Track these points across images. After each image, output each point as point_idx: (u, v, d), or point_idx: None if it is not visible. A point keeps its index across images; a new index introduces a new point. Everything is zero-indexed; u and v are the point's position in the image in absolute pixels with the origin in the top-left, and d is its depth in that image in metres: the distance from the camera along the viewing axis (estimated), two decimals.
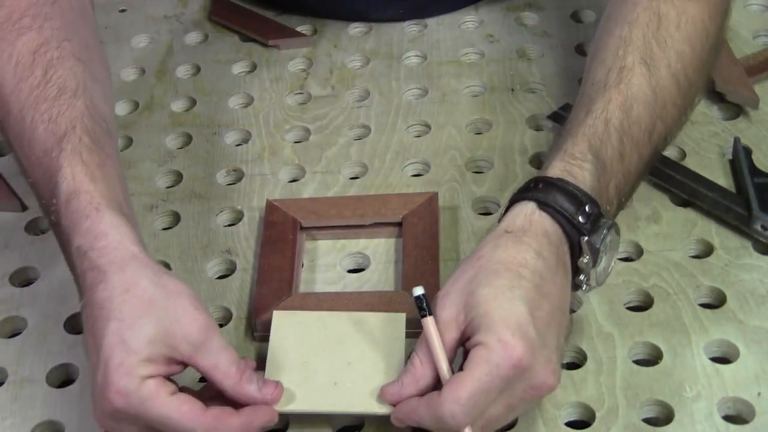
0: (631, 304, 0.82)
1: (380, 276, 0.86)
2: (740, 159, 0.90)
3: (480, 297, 0.68)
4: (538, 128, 0.98)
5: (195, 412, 0.67)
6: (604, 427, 0.73)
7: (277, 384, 0.71)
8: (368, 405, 0.72)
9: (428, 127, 0.99)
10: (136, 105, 1.05)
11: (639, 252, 0.85)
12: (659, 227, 0.87)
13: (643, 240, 0.86)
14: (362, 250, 0.88)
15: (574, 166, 0.74)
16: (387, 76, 1.06)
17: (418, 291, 0.70)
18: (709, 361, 0.77)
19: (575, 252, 0.72)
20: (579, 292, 0.75)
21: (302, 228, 0.88)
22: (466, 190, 0.92)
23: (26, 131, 0.76)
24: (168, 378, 0.68)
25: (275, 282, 0.83)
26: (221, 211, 0.93)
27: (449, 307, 0.69)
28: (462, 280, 0.70)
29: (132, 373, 0.65)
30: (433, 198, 0.89)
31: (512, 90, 1.02)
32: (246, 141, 1.00)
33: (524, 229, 0.71)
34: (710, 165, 0.92)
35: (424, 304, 0.69)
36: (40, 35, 0.79)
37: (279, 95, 1.05)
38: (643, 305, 0.82)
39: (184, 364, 0.68)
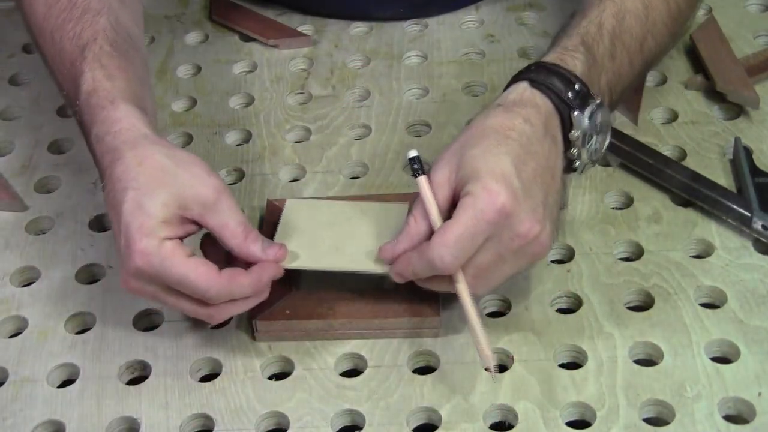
0: (631, 304, 0.82)
1: (380, 276, 0.85)
2: (741, 159, 0.90)
3: (469, 156, 0.73)
4: None
5: (210, 273, 0.72)
6: (605, 427, 0.73)
7: (281, 246, 0.76)
8: (366, 264, 0.78)
9: (429, 126, 0.99)
10: None
11: (639, 252, 0.85)
12: (660, 227, 0.87)
13: (644, 240, 0.86)
14: None
15: (566, 55, 0.80)
16: (387, 76, 1.06)
17: (413, 153, 0.76)
18: (710, 361, 0.77)
19: (566, 126, 0.77)
20: (575, 174, 0.81)
21: None
22: None
23: (57, 50, 0.84)
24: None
25: (276, 282, 0.83)
26: None
27: (442, 168, 0.75)
28: (454, 145, 0.75)
29: (152, 234, 0.72)
30: None
31: None
32: (246, 141, 1.00)
33: (515, 102, 0.77)
34: (711, 165, 0.92)
35: (416, 165, 0.75)
36: None
37: (279, 95, 1.05)
38: (644, 305, 0.82)
39: (198, 224, 0.74)
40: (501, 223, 0.71)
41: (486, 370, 0.74)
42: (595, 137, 0.79)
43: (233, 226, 0.74)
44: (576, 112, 0.77)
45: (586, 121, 0.77)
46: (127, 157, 0.74)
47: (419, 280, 0.75)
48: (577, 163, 0.79)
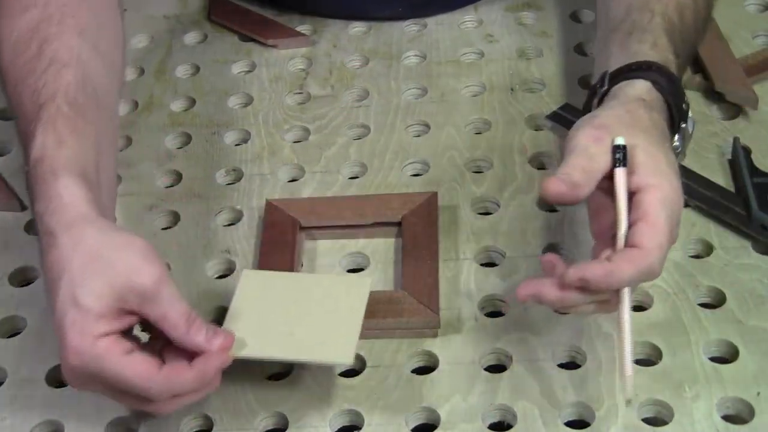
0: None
1: (380, 276, 0.86)
2: (739, 159, 0.90)
3: (640, 146, 0.72)
4: (537, 128, 0.98)
5: (149, 371, 0.68)
6: (604, 427, 0.73)
7: (226, 334, 0.71)
8: (318, 355, 0.74)
9: (427, 126, 0.99)
10: (136, 105, 1.05)
11: None
12: None
13: None
14: (362, 250, 0.88)
15: (667, 54, 0.81)
16: (386, 75, 1.06)
17: (620, 140, 0.72)
18: (709, 361, 0.77)
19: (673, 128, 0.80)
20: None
21: (302, 228, 0.88)
22: (466, 190, 0.92)
23: (17, 103, 0.79)
24: (127, 332, 0.70)
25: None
26: (221, 211, 0.93)
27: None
28: (616, 129, 0.73)
29: (85, 331, 0.67)
30: (432, 198, 0.89)
31: (512, 90, 1.02)
32: (245, 141, 1.00)
33: (651, 104, 0.77)
34: (709, 165, 0.92)
35: (620, 155, 0.71)
36: (44, 11, 0.81)
37: (278, 95, 1.05)
38: (643, 305, 0.82)
39: (138, 315, 0.69)
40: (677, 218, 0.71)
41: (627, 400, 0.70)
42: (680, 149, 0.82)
43: (175, 318, 0.69)
44: (684, 125, 0.80)
45: (690, 130, 0.81)
46: (61, 241, 0.69)
47: (565, 304, 0.70)
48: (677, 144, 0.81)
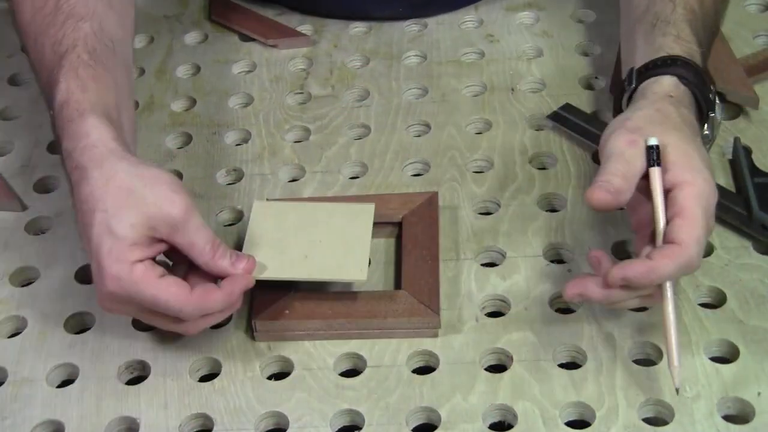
0: None
1: (380, 275, 0.86)
2: (740, 159, 0.90)
3: (672, 144, 0.74)
4: (538, 128, 0.98)
5: (182, 293, 0.73)
6: (604, 427, 0.73)
7: (249, 257, 0.77)
8: (335, 273, 0.79)
9: (428, 126, 0.99)
10: (136, 105, 1.05)
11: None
12: None
13: None
14: None
15: (692, 48, 0.83)
16: (387, 76, 1.06)
17: (653, 141, 0.74)
18: (709, 361, 0.77)
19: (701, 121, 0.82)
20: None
21: None
22: (466, 190, 0.92)
23: (38, 55, 0.83)
24: (155, 261, 0.74)
25: (275, 282, 0.83)
26: (221, 211, 0.93)
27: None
28: (648, 130, 0.76)
29: (122, 258, 0.72)
30: (433, 198, 0.89)
31: (512, 90, 1.02)
32: (246, 141, 1.00)
33: (680, 99, 0.79)
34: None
35: (655, 155, 0.74)
36: None
37: (279, 95, 1.05)
38: (643, 305, 0.81)
39: (167, 242, 0.74)
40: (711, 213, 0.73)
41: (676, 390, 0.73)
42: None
43: (201, 244, 0.74)
44: (712, 114, 0.82)
45: (719, 117, 0.84)
46: (93, 177, 0.73)
47: (611, 300, 0.73)
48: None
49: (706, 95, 0.82)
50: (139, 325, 0.84)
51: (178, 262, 0.77)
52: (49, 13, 0.83)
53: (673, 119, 0.77)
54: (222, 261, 0.75)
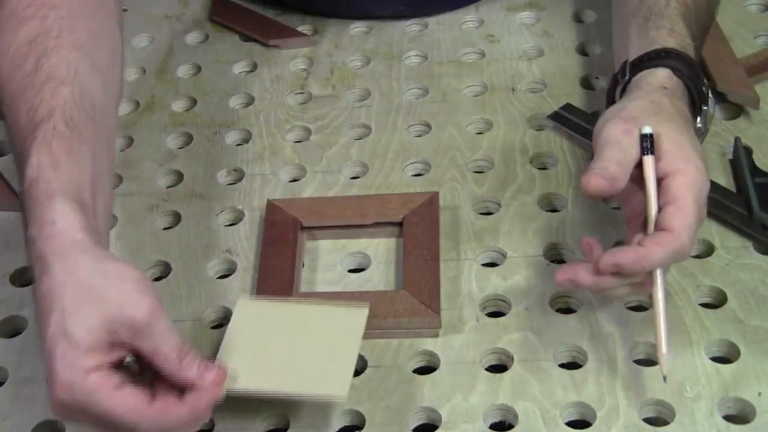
0: (631, 304, 0.82)
1: (381, 276, 0.86)
2: (741, 159, 0.90)
3: (666, 134, 0.75)
4: (538, 128, 0.98)
5: (139, 407, 0.66)
6: (605, 427, 0.73)
7: (219, 369, 0.70)
8: (313, 388, 0.72)
9: (429, 126, 0.99)
10: (137, 105, 1.05)
11: None
12: None
13: None
14: (363, 250, 0.88)
15: (684, 40, 0.84)
16: (387, 76, 1.06)
17: (647, 130, 0.75)
18: (710, 361, 0.77)
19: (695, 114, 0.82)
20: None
21: (303, 228, 0.88)
22: (467, 190, 0.92)
23: (14, 121, 0.77)
24: (119, 364, 0.68)
25: (276, 282, 0.83)
26: (222, 211, 0.93)
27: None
28: (643, 120, 0.76)
29: (74, 365, 0.65)
30: (433, 198, 0.89)
31: (512, 90, 1.02)
32: (246, 141, 1.00)
33: (673, 91, 0.80)
34: (711, 165, 0.91)
35: (647, 144, 0.75)
36: (42, 24, 0.80)
37: (279, 95, 1.05)
38: (644, 305, 0.82)
39: (130, 347, 0.68)
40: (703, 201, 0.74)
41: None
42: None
43: (166, 352, 0.67)
44: (705, 107, 0.83)
45: (711, 111, 0.84)
46: (54, 271, 0.67)
47: (601, 287, 0.73)
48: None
49: (699, 88, 0.83)
50: None
51: (146, 366, 0.70)
52: (28, 72, 0.77)
53: (667, 110, 0.77)
54: (189, 371, 0.68)
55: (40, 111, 0.75)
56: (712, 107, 0.85)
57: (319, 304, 0.78)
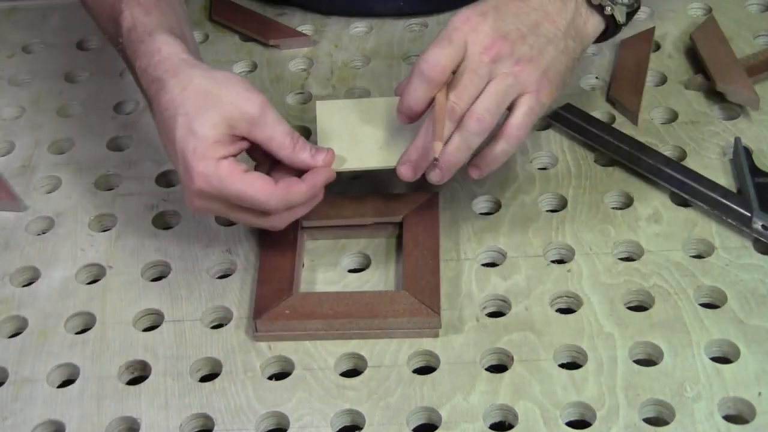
0: (631, 304, 0.82)
1: (381, 276, 0.86)
2: (741, 159, 0.90)
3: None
4: (538, 128, 0.98)
5: (267, 186, 0.77)
6: (605, 427, 0.73)
7: (328, 150, 0.81)
8: (394, 160, 0.81)
9: None
10: (137, 105, 1.05)
11: (640, 252, 0.85)
12: (660, 227, 0.87)
13: (644, 240, 0.86)
14: (363, 250, 0.88)
15: None
16: (388, 76, 1.06)
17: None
18: (710, 361, 0.77)
19: None
20: (616, 13, 0.85)
21: (303, 227, 0.88)
22: (467, 190, 0.92)
23: None
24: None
25: (276, 282, 0.83)
26: None
27: None
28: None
29: (207, 155, 0.76)
30: (433, 198, 0.89)
31: None
32: None
33: None
34: (711, 165, 0.92)
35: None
36: None
37: (280, 95, 1.05)
38: (644, 305, 0.82)
39: (248, 140, 0.78)
40: (470, 37, 0.78)
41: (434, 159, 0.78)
42: None
43: (280, 138, 0.78)
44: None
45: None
46: (170, 85, 0.78)
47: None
48: (608, 9, 0.84)
49: None
50: (139, 325, 0.84)
51: (260, 162, 0.82)
52: None
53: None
54: (302, 153, 0.79)
55: None
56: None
57: (385, 98, 0.88)
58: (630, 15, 0.86)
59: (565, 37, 0.82)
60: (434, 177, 0.80)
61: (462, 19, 0.79)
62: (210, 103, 0.77)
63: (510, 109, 0.80)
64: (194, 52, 0.84)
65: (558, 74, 0.82)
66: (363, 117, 0.86)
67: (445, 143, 0.78)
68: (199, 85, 0.78)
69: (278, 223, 0.80)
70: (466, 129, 0.78)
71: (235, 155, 0.78)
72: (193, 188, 0.77)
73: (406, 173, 0.81)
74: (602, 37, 0.87)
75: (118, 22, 0.84)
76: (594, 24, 0.85)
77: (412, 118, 0.80)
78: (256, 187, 0.76)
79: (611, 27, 0.86)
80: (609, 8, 0.84)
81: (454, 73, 0.79)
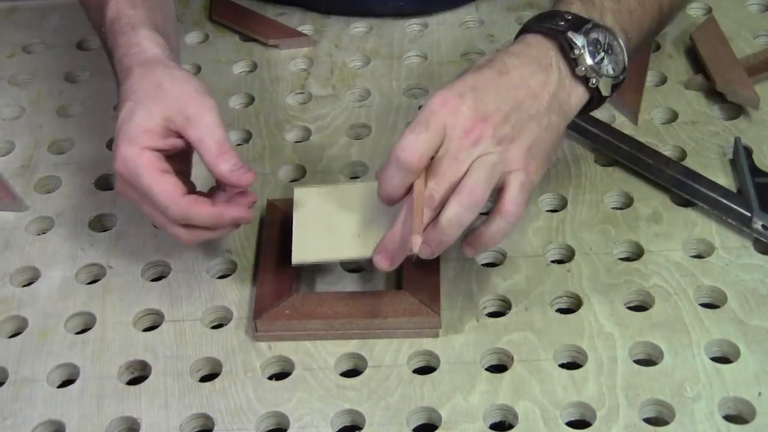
0: (631, 304, 0.82)
1: (381, 276, 0.86)
2: (741, 159, 0.90)
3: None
4: None
5: (174, 192, 0.77)
6: (605, 427, 0.73)
7: (251, 172, 0.79)
8: (367, 252, 0.78)
9: None
10: None
11: (640, 252, 0.85)
12: (660, 227, 0.87)
13: (644, 240, 0.86)
14: None
15: (559, 4, 0.82)
16: (388, 75, 1.06)
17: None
18: (710, 361, 0.77)
19: (566, 50, 0.79)
20: (601, 86, 0.79)
21: None
22: None
23: None
24: (173, 164, 0.79)
25: (275, 282, 0.83)
26: None
27: None
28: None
29: (133, 141, 0.77)
30: None
31: None
32: (246, 141, 1.00)
33: (505, 47, 0.80)
34: (711, 165, 0.92)
35: None
36: None
37: (279, 95, 1.05)
38: (644, 305, 0.82)
39: (181, 137, 0.78)
40: (449, 120, 0.74)
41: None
42: (606, 58, 0.79)
43: (209, 142, 0.78)
44: (569, 33, 0.78)
45: (581, 38, 0.78)
46: (134, 74, 0.80)
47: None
48: (593, 80, 0.78)
49: (556, 25, 0.79)
50: (139, 325, 0.84)
51: (217, 189, 0.82)
52: None
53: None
54: (223, 164, 0.78)
55: None
56: (583, 49, 0.78)
57: (364, 183, 0.86)
58: (615, 87, 0.81)
59: (548, 112, 0.77)
60: (424, 252, 0.75)
61: (439, 101, 0.75)
62: (158, 95, 0.78)
63: (500, 189, 0.76)
64: (174, 51, 0.86)
65: (542, 151, 0.77)
66: (341, 203, 0.83)
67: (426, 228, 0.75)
68: (156, 79, 0.79)
69: (183, 235, 0.79)
70: (458, 204, 0.74)
71: (165, 151, 0.78)
72: (114, 168, 0.78)
73: (382, 263, 0.76)
74: (585, 109, 0.82)
75: (103, 11, 0.86)
76: (578, 96, 0.79)
77: (392, 203, 0.77)
78: (163, 188, 0.77)
79: (596, 99, 0.81)
80: (594, 80, 0.79)
81: (433, 158, 0.75)
